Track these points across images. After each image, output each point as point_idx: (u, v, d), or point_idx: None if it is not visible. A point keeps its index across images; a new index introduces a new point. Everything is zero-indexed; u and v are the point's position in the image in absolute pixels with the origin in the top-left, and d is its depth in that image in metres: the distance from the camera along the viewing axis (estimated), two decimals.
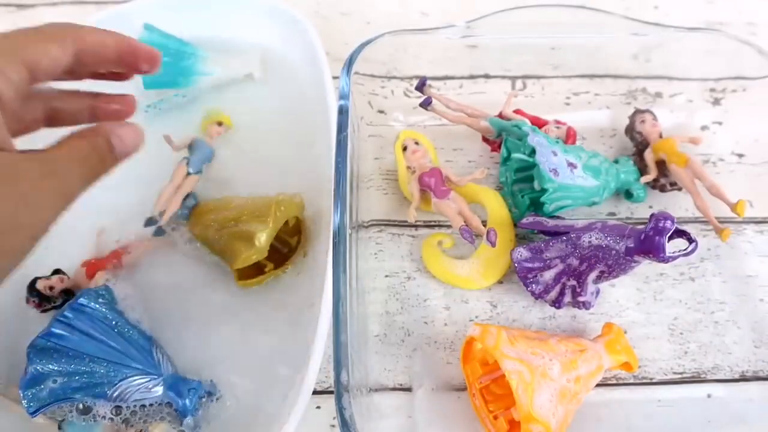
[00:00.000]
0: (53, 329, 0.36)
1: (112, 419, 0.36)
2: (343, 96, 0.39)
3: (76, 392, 0.36)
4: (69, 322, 0.37)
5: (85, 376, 0.36)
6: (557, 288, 0.41)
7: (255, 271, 0.43)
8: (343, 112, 0.39)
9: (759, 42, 0.48)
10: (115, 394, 0.36)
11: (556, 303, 0.42)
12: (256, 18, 0.55)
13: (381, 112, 0.51)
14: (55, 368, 0.36)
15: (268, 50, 0.54)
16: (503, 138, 0.46)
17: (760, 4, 0.61)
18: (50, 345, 0.36)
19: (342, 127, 0.38)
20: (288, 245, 0.45)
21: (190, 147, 0.47)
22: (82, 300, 0.38)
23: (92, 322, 0.37)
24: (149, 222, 0.45)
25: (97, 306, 0.38)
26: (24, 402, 0.35)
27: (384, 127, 0.51)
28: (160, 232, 0.45)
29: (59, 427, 0.37)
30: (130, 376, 0.36)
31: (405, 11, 0.61)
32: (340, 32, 0.58)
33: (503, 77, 0.53)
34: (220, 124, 0.50)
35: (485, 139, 0.49)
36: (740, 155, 0.50)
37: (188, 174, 0.46)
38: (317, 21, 0.57)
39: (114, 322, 0.38)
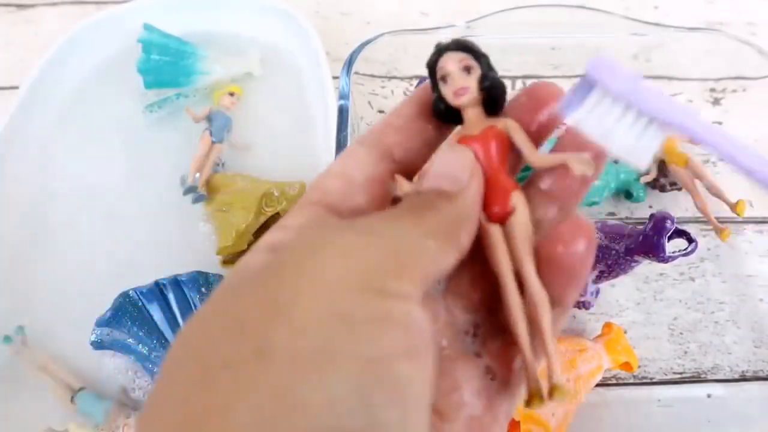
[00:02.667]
0: (148, 290, 0.39)
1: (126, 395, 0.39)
2: (343, 96, 0.39)
3: (132, 353, 0.39)
4: (165, 291, 0.39)
5: (146, 348, 0.38)
6: None
7: (244, 253, 0.43)
8: (343, 112, 0.39)
9: (759, 42, 0.48)
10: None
11: None
12: (256, 18, 0.55)
13: (381, 112, 0.51)
14: (128, 324, 0.39)
15: (267, 50, 0.55)
16: None
17: (760, 4, 0.61)
18: (138, 302, 0.39)
19: (342, 127, 0.38)
20: None
21: (209, 118, 0.49)
22: (185, 278, 0.39)
23: (179, 303, 0.39)
24: (188, 190, 0.46)
25: (194, 293, 0.39)
26: (93, 335, 0.39)
27: None
28: (200, 198, 0.46)
29: (71, 400, 0.38)
30: None
31: (405, 11, 0.61)
32: (340, 32, 0.58)
33: (503, 77, 0.53)
34: (231, 94, 0.50)
35: None
36: None
37: (213, 143, 0.48)
38: (317, 21, 0.57)
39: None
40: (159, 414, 0.13)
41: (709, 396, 0.40)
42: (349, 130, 0.38)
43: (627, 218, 0.47)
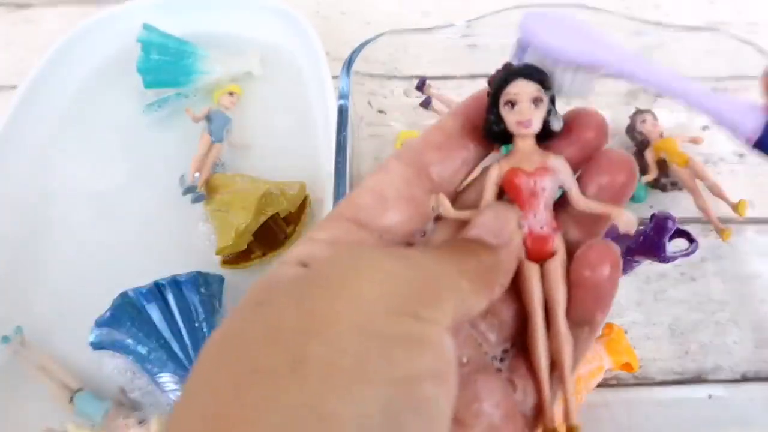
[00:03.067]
0: (147, 290, 0.38)
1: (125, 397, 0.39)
2: (343, 96, 0.39)
3: (131, 354, 0.39)
4: (164, 292, 0.39)
5: (145, 348, 0.38)
6: None
7: (243, 253, 0.43)
8: (342, 111, 0.39)
9: (760, 41, 0.47)
10: (159, 380, 0.38)
11: None
12: (255, 17, 0.55)
13: (381, 112, 0.51)
14: (127, 324, 0.38)
15: (267, 50, 0.54)
16: None
17: (761, 3, 0.61)
18: (137, 303, 0.39)
19: (342, 127, 0.38)
20: (285, 232, 0.45)
21: (208, 117, 0.49)
22: (184, 279, 0.39)
23: (178, 304, 0.39)
24: (187, 189, 0.46)
25: (193, 293, 0.39)
26: (92, 335, 0.39)
27: (384, 127, 0.51)
28: (199, 197, 0.46)
29: (70, 400, 0.38)
30: (170, 377, 0.38)
31: (405, 11, 0.61)
32: (340, 32, 0.58)
33: None
34: (231, 94, 0.50)
35: None
36: (741, 155, 0.50)
37: (212, 143, 0.48)
38: (317, 21, 0.57)
39: (201, 317, 0.39)
40: (188, 417, 0.13)
41: (710, 397, 0.40)
42: (349, 129, 0.38)
43: None
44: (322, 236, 0.17)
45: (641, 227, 0.37)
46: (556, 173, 0.19)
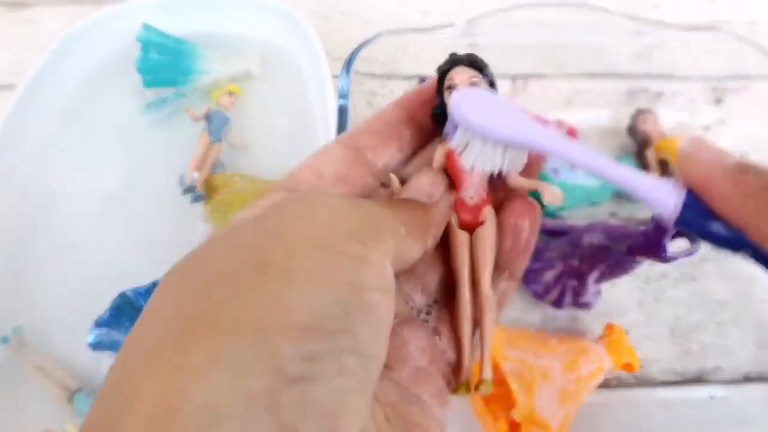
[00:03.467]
0: (146, 290, 0.39)
1: None
2: (343, 95, 0.39)
3: None
4: None
5: None
6: (558, 288, 0.41)
7: None
8: (342, 111, 0.38)
9: (761, 41, 0.47)
10: None
11: (557, 303, 0.41)
12: (255, 17, 0.55)
13: None
14: (127, 324, 0.38)
15: (267, 49, 0.54)
16: None
17: (761, 2, 0.61)
18: (136, 303, 0.39)
19: (342, 127, 0.38)
20: None
21: (208, 117, 0.49)
22: None
23: None
24: (187, 189, 0.46)
25: None
26: (90, 336, 0.39)
27: None
28: (198, 197, 0.46)
29: (69, 401, 0.38)
30: None
31: (405, 10, 0.60)
32: (339, 31, 0.58)
33: (504, 76, 0.53)
34: (230, 93, 0.50)
35: None
36: (742, 154, 0.50)
37: (212, 142, 0.48)
38: (317, 20, 0.57)
39: None
40: (155, 318, 0.14)
41: (711, 397, 0.40)
42: (349, 129, 0.38)
43: (628, 218, 0.47)
44: (264, 204, 0.19)
45: (642, 227, 0.37)
46: None
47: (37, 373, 0.39)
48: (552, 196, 0.19)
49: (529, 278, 0.41)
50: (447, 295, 0.22)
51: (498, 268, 0.21)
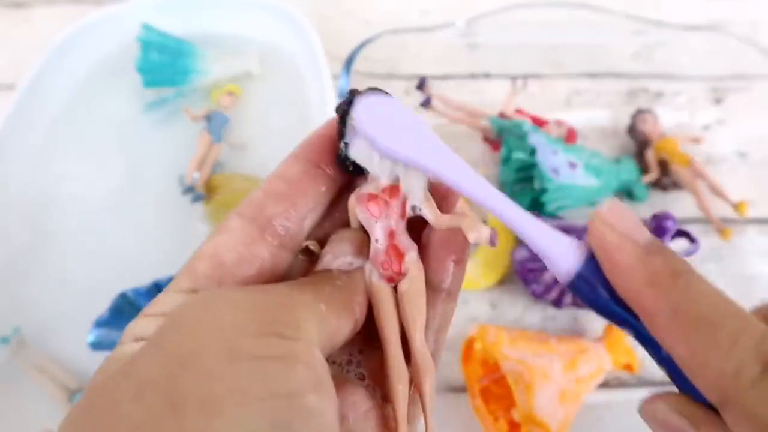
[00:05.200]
0: (146, 291, 0.39)
1: None
2: (343, 95, 0.39)
3: None
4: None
5: None
6: (558, 288, 0.41)
7: None
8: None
9: (761, 41, 0.47)
10: None
11: (557, 303, 0.41)
12: (255, 16, 0.55)
13: None
14: (126, 325, 0.38)
15: (267, 49, 0.54)
16: (503, 138, 0.45)
17: (761, 2, 0.61)
18: (136, 303, 0.38)
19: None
20: None
21: (207, 117, 0.49)
22: None
23: None
24: (187, 189, 0.46)
25: None
26: (90, 336, 0.38)
27: None
28: (198, 197, 0.46)
29: (69, 400, 0.38)
30: None
31: (405, 10, 0.60)
32: (340, 31, 0.58)
33: (504, 76, 0.53)
34: (230, 93, 0.51)
35: (485, 139, 0.49)
36: (743, 154, 0.50)
37: (212, 142, 0.48)
38: (317, 20, 0.57)
39: None
40: None
41: None
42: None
43: None
44: (158, 311, 0.16)
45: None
46: (406, 194, 0.18)
47: (37, 373, 0.39)
48: (478, 235, 0.17)
49: (529, 278, 0.41)
50: (372, 344, 0.19)
51: (431, 287, 0.19)
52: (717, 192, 0.44)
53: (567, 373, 0.35)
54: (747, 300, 0.43)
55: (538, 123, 0.47)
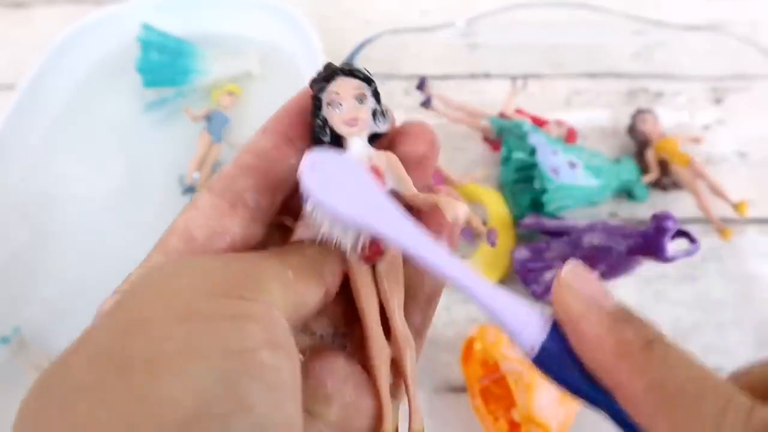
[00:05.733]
0: None
1: None
2: None
3: None
4: None
5: None
6: None
7: None
8: None
9: (761, 41, 0.47)
10: None
11: None
12: (255, 16, 0.55)
13: None
14: None
15: (267, 49, 0.54)
16: (503, 138, 0.45)
17: (762, 2, 0.61)
18: None
19: None
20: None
21: (208, 117, 0.49)
22: None
23: None
24: (187, 189, 0.46)
25: None
26: None
27: None
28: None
29: None
30: None
31: (405, 10, 0.60)
32: (339, 31, 0.58)
33: (504, 76, 0.53)
34: (230, 93, 0.51)
35: (485, 139, 0.49)
36: (743, 154, 0.50)
37: (212, 142, 0.48)
38: (317, 20, 0.57)
39: None
40: None
41: None
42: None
43: (628, 218, 0.47)
44: (127, 287, 0.16)
45: (642, 227, 0.37)
46: (383, 173, 0.18)
47: (37, 373, 0.39)
48: (455, 215, 0.17)
49: (529, 278, 0.41)
50: (357, 318, 0.19)
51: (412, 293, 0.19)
52: (717, 192, 0.44)
53: None
54: (747, 300, 0.43)
55: (538, 123, 0.47)
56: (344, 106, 0.18)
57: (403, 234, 0.16)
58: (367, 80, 0.18)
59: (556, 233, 0.41)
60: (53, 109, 0.52)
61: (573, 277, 0.15)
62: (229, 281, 0.14)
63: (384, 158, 0.18)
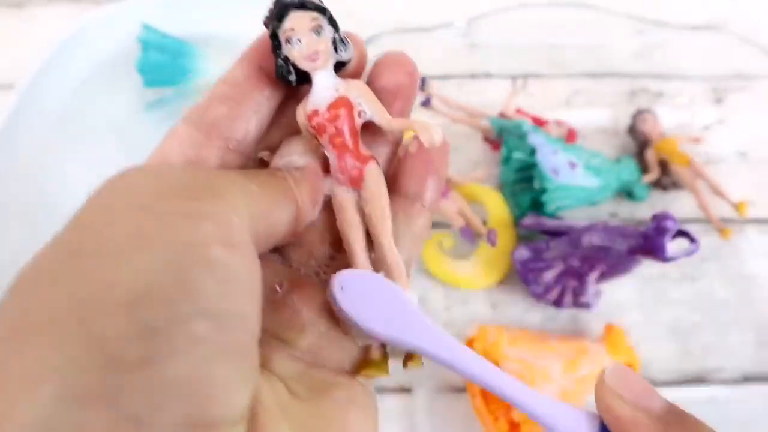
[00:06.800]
0: None
1: None
2: None
3: None
4: None
5: None
6: (558, 288, 0.41)
7: None
8: None
9: (762, 40, 0.47)
10: None
11: (557, 303, 0.41)
12: (255, 16, 0.54)
13: None
14: None
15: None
16: (503, 138, 0.45)
17: (762, 2, 0.61)
18: None
19: None
20: None
21: None
22: None
23: None
24: None
25: None
26: None
27: None
28: None
29: None
30: None
31: (405, 10, 0.60)
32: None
33: (504, 76, 0.53)
34: None
35: (485, 139, 0.49)
36: (743, 154, 0.50)
37: None
38: None
39: None
40: None
41: (711, 397, 0.40)
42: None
43: (628, 218, 0.47)
44: None
45: (642, 227, 0.37)
46: (353, 103, 0.18)
47: None
48: (430, 138, 0.17)
49: (529, 278, 0.41)
50: (342, 256, 0.19)
51: (407, 198, 0.19)
52: (717, 192, 0.44)
53: (567, 374, 0.35)
54: (747, 300, 0.43)
55: (538, 123, 0.47)
56: (303, 41, 0.17)
57: (441, 348, 0.16)
58: (320, 9, 0.18)
59: (556, 233, 0.41)
60: (53, 109, 0.52)
61: (616, 378, 0.15)
62: (187, 185, 0.15)
63: (354, 87, 0.18)
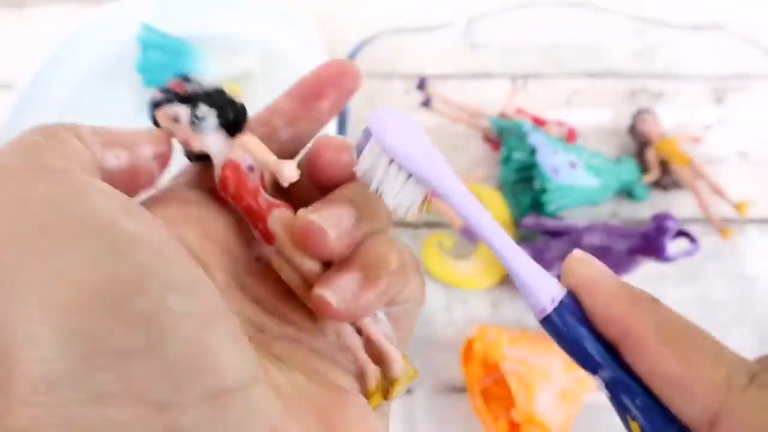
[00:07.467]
0: None
1: None
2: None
3: None
4: None
5: None
6: None
7: None
8: (343, 111, 0.38)
9: (762, 40, 0.47)
10: None
11: None
12: (255, 17, 0.55)
13: None
14: None
15: (267, 48, 0.54)
16: (504, 138, 0.45)
17: (762, 2, 0.61)
18: None
19: (342, 127, 0.38)
20: None
21: None
22: None
23: None
24: None
25: None
26: None
27: None
28: None
29: None
30: None
31: (405, 10, 0.60)
32: (340, 30, 0.58)
33: (504, 76, 0.53)
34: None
35: (486, 139, 0.49)
36: (743, 154, 0.50)
37: None
38: (317, 19, 0.57)
39: None
40: None
41: None
42: (349, 129, 0.38)
43: (628, 218, 0.47)
44: None
45: (642, 227, 0.37)
46: (236, 164, 0.18)
47: None
48: (289, 176, 0.17)
49: None
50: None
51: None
52: (717, 192, 0.44)
53: (568, 374, 0.35)
54: (748, 300, 0.43)
55: (539, 123, 0.47)
56: (175, 134, 0.19)
57: (449, 186, 0.17)
58: (169, 100, 0.19)
59: (556, 233, 0.41)
60: (53, 109, 0.52)
61: (583, 255, 0.17)
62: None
63: (237, 145, 0.18)
